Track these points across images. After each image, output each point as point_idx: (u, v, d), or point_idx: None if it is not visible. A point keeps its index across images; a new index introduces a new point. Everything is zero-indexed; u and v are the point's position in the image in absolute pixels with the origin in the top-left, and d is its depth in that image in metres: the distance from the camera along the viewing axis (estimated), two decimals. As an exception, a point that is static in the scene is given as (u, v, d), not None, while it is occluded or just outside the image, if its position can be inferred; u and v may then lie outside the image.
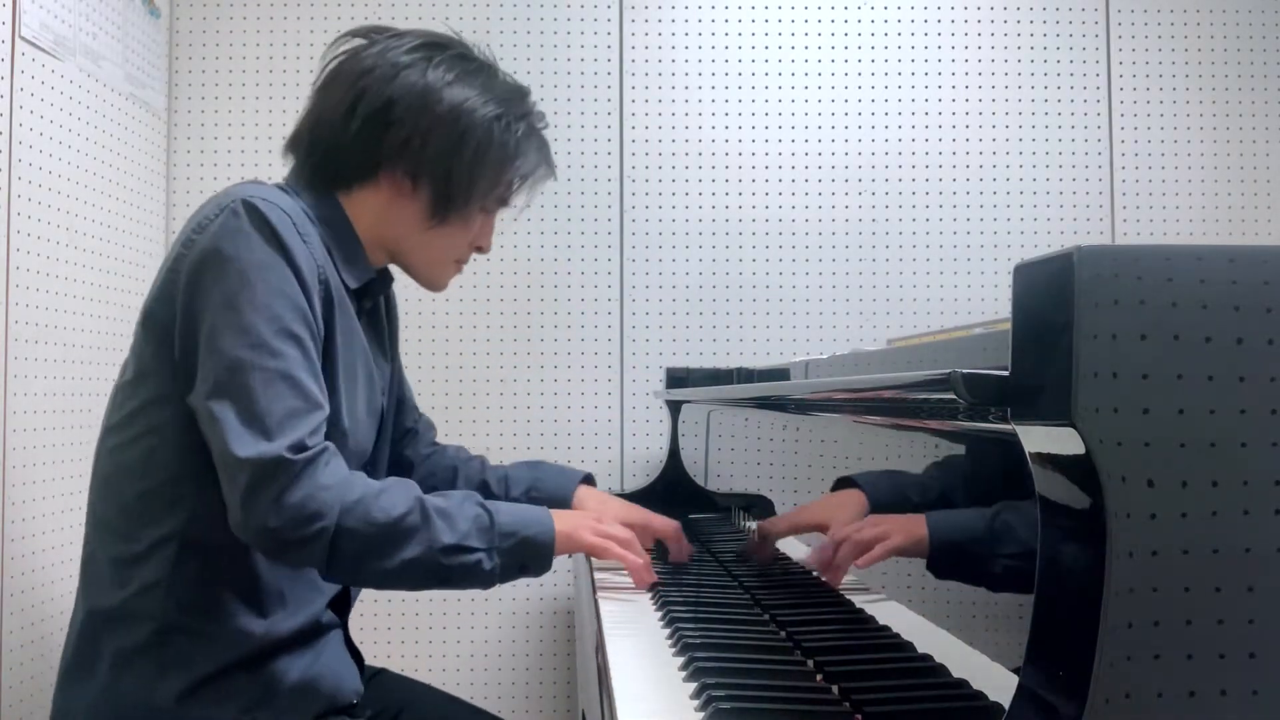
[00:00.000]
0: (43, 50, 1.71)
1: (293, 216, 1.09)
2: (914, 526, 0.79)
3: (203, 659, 1.07)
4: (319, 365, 1.08)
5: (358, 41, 1.22)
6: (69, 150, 1.79)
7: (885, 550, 0.84)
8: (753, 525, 1.45)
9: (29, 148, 1.66)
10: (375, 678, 1.35)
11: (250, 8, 2.25)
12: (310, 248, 1.09)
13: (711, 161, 2.29)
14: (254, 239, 1.05)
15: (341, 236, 1.18)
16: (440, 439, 1.51)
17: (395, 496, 1.06)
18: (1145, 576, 0.56)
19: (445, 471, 1.46)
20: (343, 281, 1.16)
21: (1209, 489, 0.57)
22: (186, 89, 2.24)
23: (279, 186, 1.18)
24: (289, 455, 0.99)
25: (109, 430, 1.15)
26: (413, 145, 1.16)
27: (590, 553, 1.20)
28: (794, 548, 1.25)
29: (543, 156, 1.26)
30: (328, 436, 1.09)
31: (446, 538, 1.07)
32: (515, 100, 1.22)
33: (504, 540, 1.10)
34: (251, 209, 1.06)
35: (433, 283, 1.29)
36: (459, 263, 1.28)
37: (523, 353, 2.24)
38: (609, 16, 2.29)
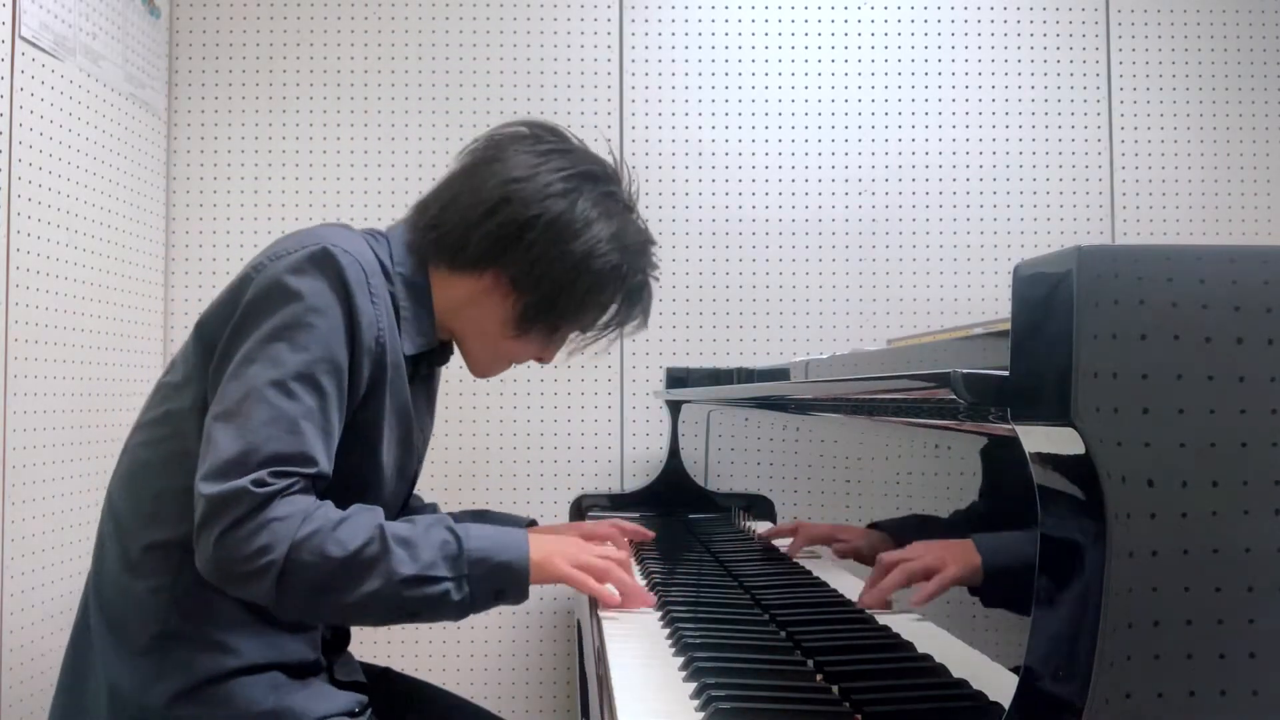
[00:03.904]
0: (43, 50, 1.71)
1: (369, 274, 1.08)
2: (968, 555, 0.74)
3: (201, 665, 1.06)
4: (336, 426, 1.06)
5: (523, 130, 1.23)
6: (69, 150, 1.79)
7: (941, 585, 0.78)
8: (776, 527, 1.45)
9: (29, 148, 1.66)
10: (380, 677, 1.35)
11: (250, 8, 2.25)
12: (377, 309, 1.09)
13: (711, 161, 2.29)
14: (321, 284, 1.04)
15: (416, 300, 1.18)
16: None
17: (354, 527, 1.02)
18: (1145, 576, 0.56)
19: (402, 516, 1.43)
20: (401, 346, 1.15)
21: (1209, 489, 0.57)
22: (186, 89, 2.24)
23: (369, 233, 1.18)
24: (250, 488, 0.97)
25: (140, 425, 1.15)
26: (535, 266, 1.16)
27: (566, 583, 1.13)
28: (788, 544, 1.25)
29: (643, 309, 1.27)
30: (354, 495, 1.08)
31: (407, 568, 1.01)
32: (640, 253, 1.24)
33: (474, 567, 1.05)
34: (330, 257, 1.05)
35: (481, 372, 1.29)
36: (514, 363, 1.29)
37: (523, 353, 2.24)
38: (609, 16, 2.29)
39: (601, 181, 1.22)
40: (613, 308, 1.24)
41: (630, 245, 1.22)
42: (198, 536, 0.99)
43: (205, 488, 0.98)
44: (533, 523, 1.44)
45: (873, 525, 0.95)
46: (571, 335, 1.28)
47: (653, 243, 1.27)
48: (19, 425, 1.63)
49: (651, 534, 1.47)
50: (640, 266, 1.24)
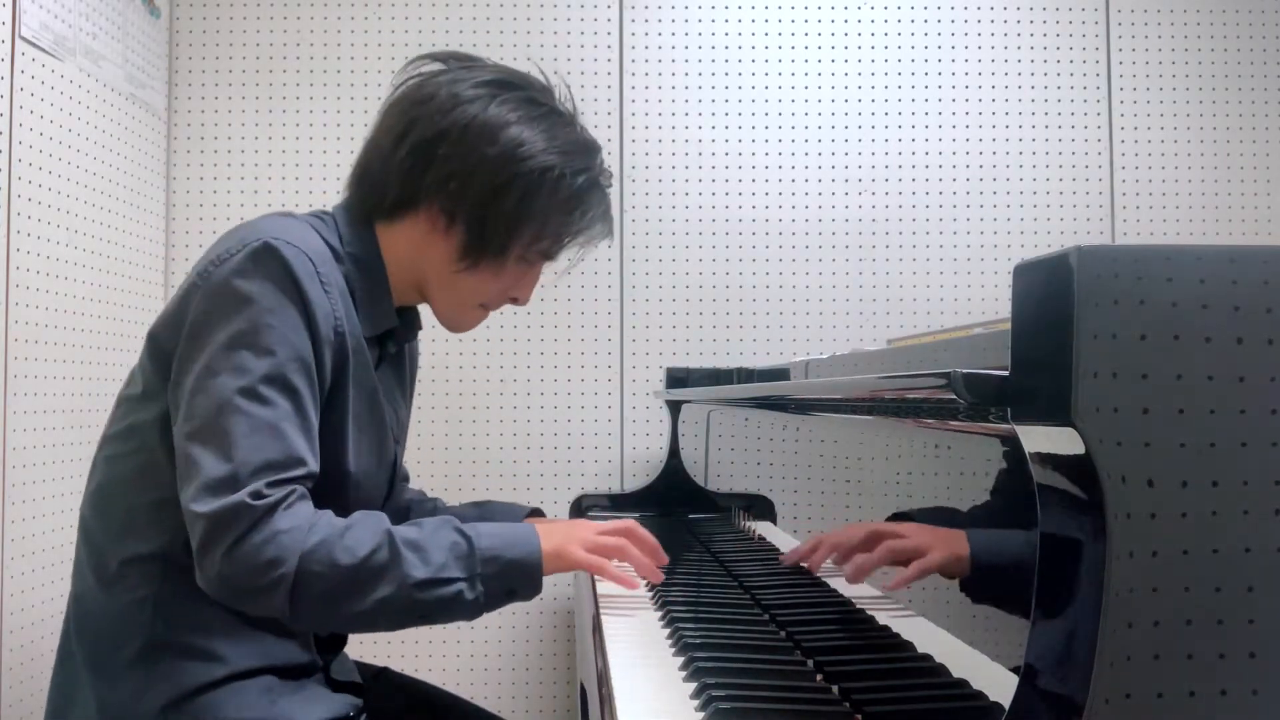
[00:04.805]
0: (43, 50, 1.71)
1: (316, 263, 1.05)
2: (956, 544, 0.74)
3: (190, 674, 1.05)
4: (314, 420, 1.04)
5: (434, 66, 1.17)
6: (69, 150, 1.79)
7: (921, 570, 0.78)
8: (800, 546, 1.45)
9: (29, 148, 1.66)
10: (377, 677, 1.34)
11: (250, 8, 2.25)
12: (330, 297, 1.06)
13: (711, 161, 2.29)
14: (270, 284, 1.01)
15: (369, 277, 1.14)
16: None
17: (361, 534, 1.00)
18: (1145, 576, 0.56)
19: (399, 512, 1.40)
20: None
21: (1209, 489, 0.57)
22: (186, 89, 2.24)
23: (315, 216, 1.15)
24: (249, 501, 0.95)
25: (108, 439, 1.12)
26: (453, 184, 1.11)
27: (583, 569, 1.12)
28: (788, 544, 1.25)
29: (599, 216, 1.19)
30: (336, 489, 1.06)
31: (419, 572, 1.00)
32: (578, 153, 1.16)
33: (486, 566, 1.04)
34: (273, 252, 1.02)
35: (453, 324, 1.23)
36: (485, 308, 1.22)
37: (523, 353, 2.24)
38: (609, 16, 2.29)
39: (520, 88, 1.16)
40: (563, 218, 1.16)
41: (564, 146, 1.14)
42: (200, 557, 0.97)
43: (200, 507, 0.96)
44: (537, 511, 1.41)
45: (894, 517, 0.94)
46: (540, 265, 1.21)
47: (596, 146, 1.20)
48: (19, 425, 1.63)
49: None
50: (581, 167, 1.15)
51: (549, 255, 1.21)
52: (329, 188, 2.25)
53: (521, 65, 2.23)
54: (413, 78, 1.17)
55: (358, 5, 2.26)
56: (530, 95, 1.16)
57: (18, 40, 1.64)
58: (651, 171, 2.27)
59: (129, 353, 2.00)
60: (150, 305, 2.13)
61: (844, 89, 2.30)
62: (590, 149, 1.19)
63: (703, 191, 2.29)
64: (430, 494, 1.48)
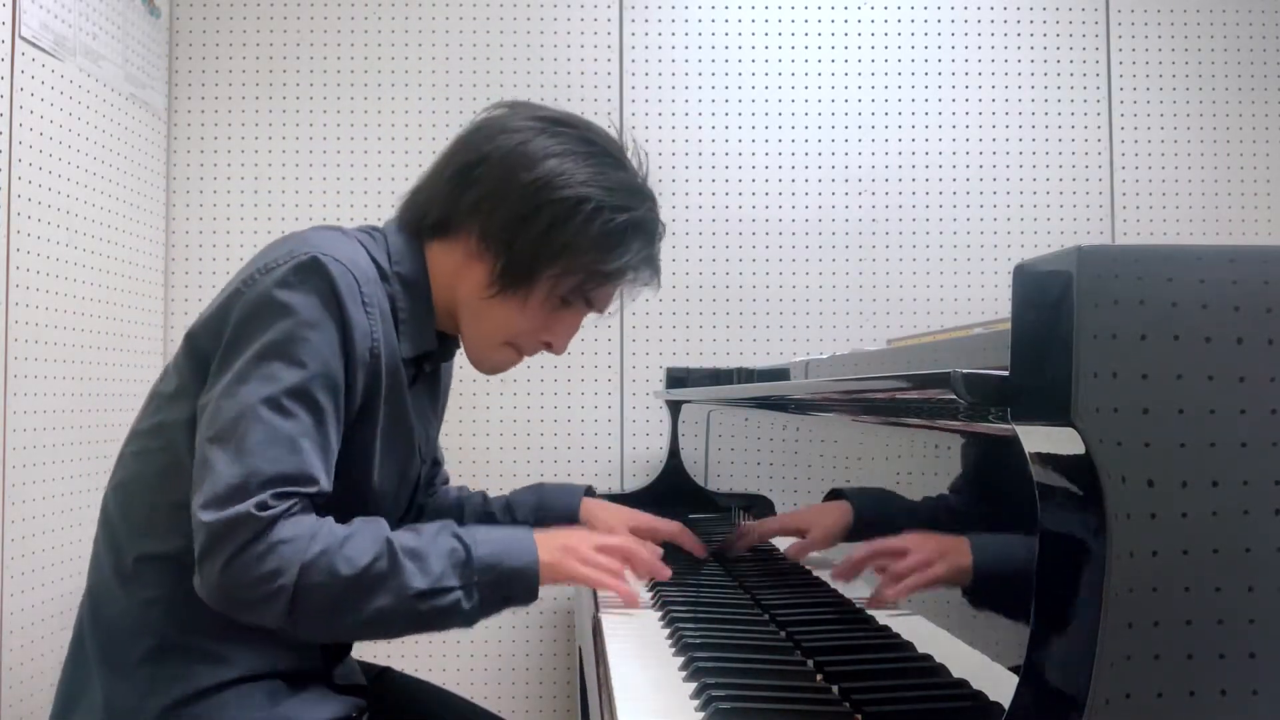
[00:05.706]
0: (43, 50, 1.71)
1: (360, 282, 1.05)
2: (960, 554, 0.74)
3: (198, 676, 1.05)
4: (334, 441, 1.03)
5: (501, 110, 1.18)
6: (69, 150, 1.79)
7: (925, 581, 0.79)
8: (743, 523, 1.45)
9: (29, 148, 1.67)
10: (379, 677, 1.34)
11: (250, 8, 2.25)
12: (371, 318, 1.06)
13: (711, 161, 2.29)
14: (312, 298, 1.01)
15: (415, 298, 1.14)
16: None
17: (361, 543, 1.00)
18: (1145, 576, 0.56)
19: (450, 509, 1.39)
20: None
21: (1209, 489, 0.57)
22: (186, 89, 2.24)
23: (365, 232, 1.15)
24: (254, 511, 0.95)
25: (135, 434, 1.12)
26: (483, 207, 1.12)
27: (580, 584, 1.12)
28: (788, 545, 1.25)
29: (640, 261, 1.16)
30: (359, 507, 1.06)
31: (419, 582, 1.00)
32: (624, 194, 1.13)
33: (483, 574, 1.03)
34: (320, 268, 1.02)
35: (479, 359, 1.21)
36: (512, 347, 1.19)
37: (523, 353, 2.24)
38: (609, 16, 2.29)
39: (578, 129, 1.15)
40: (594, 255, 1.12)
41: (608, 184, 1.12)
42: (200, 565, 0.97)
43: (206, 515, 0.96)
44: (590, 490, 1.42)
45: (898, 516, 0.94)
46: (578, 310, 1.19)
47: (649, 193, 1.18)
48: (19, 425, 1.63)
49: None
50: (623, 206, 1.13)
51: (585, 296, 1.17)
52: (329, 188, 2.25)
53: (522, 67, 2.24)
54: (480, 116, 1.19)
55: (358, 6, 2.26)
56: (585, 135, 1.15)
57: (18, 40, 1.64)
58: (651, 171, 2.26)
59: (129, 352, 2.00)
60: (150, 305, 2.13)
61: (844, 89, 2.30)
62: (641, 193, 1.17)
63: (703, 191, 2.29)
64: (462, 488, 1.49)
